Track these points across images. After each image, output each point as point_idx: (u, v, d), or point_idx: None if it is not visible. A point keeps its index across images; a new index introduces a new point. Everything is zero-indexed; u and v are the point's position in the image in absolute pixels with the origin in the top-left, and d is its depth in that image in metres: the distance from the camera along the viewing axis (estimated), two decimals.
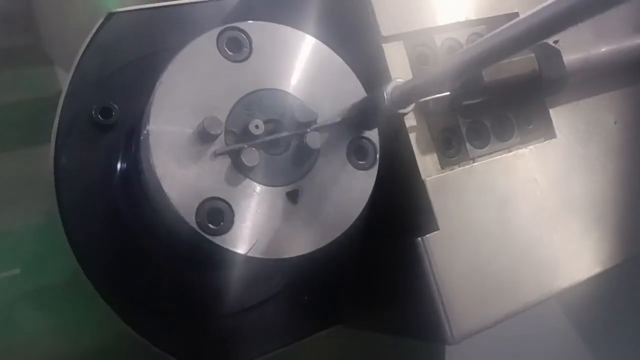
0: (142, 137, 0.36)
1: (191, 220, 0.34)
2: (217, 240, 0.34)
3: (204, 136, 0.35)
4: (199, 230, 0.34)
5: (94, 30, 0.50)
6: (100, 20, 0.50)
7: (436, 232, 0.40)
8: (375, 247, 0.44)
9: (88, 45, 0.49)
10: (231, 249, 0.34)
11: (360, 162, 0.39)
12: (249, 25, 0.38)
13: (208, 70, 0.36)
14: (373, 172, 0.39)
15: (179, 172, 0.34)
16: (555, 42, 0.45)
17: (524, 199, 0.42)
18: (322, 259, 0.44)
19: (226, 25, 0.37)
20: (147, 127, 0.34)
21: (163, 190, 0.33)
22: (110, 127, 0.47)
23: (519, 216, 0.42)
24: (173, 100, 0.35)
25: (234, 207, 0.35)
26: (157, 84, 0.35)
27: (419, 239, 0.39)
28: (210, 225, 0.34)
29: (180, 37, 0.49)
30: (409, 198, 0.41)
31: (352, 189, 0.38)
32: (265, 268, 0.42)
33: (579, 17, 0.24)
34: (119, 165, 0.47)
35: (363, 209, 0.38)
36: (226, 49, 0.37)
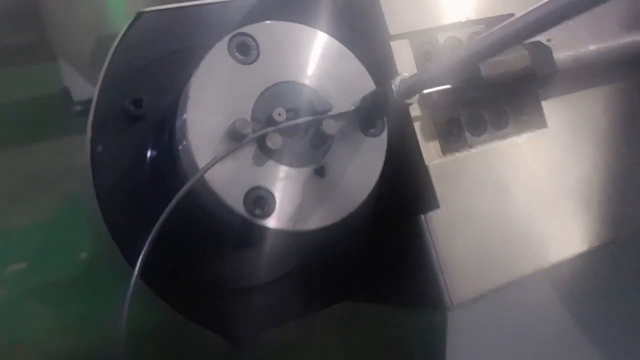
0: (181, 148, 0.41)
1: (240, 209, 0.39)
2: (265, 222, 0.39)
3: (235, 136, 0.39)
4: (248, 217, 0.39)
5: (124, 29, 0.54)
6: (130, 19, 0.54)
7: (437, 210, 0.44)
8: (383, 226, 0.49)
9: (119, 43, 0.54)
10: (278, 227, 0.40)
11: (371, 131, 0.43)
12: (253, 29, 0.42)
13: (227, 76, 0.41)
14: (384, 138, 0.44)
15: (221, 172, 0.39)
16: (548, 40, 0.49)
17: (517, 182, 0.47)
18: (333, 238, 0.48)
19: (233, 33, 0.42)
20: (188, 139, 0.39)
21: (213, 190, 0.38)
22: (141, 117, 0.52)
23: (513, 197, 0.47)
24: (204, 111, 0.40)
25: (273, 192, 0.40)
26: (185, 98, 0.40)
27: (422, 216, 0.44)
28: (257, 211, 0.39)
29: (204, 36, 0.53)
30: (414, 181, 0.46)
31: (368, 156, 0.43)
32: (293, 241, 0.46)
33: (564, 16, 0.28)
34: (149, 152, 0.52)
35: (379, 175, 0.43)
36: (237, 53, 0.41)
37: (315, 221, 0.40)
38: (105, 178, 0.51)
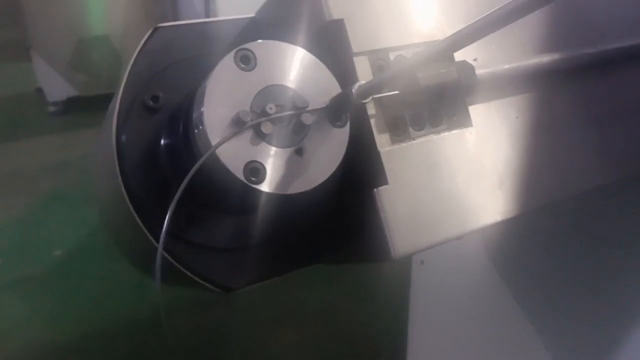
0: (197, 132, 0.54)
1: (240, 176, 0.53)
2: (258, 187, 0.53)
3: (238, 122, 0.53)
4: (247, 182, 0.53)
5: (143, 40, 0.68)
6: (149, 32, 0.68)
7: (386, 185, 0.59)
8: (343, 200, 0.63)
9: (139, 51, 0.67)
10: (268, 191, 0.54)
11: (337, 123, 0.57)
12: (252, 45, 0.57)
13: (232, 80, 0.55)
14: (347, 129, 0.58)
15: (228, 150, 0.53)
16: (475, 59, 0.65)
17: (448, 166, 0.62)
18: (306, 210, 0.63)
19: (237, 48, 0.56)
20: (204, 125, 0.53)
21: (222, 162, 0.52)
22: (158, 110, 0.65)
23: (444, 177, 0.61)
24: (216, 106, 0.54)
25: (265, 165, 0.54)
26: (202, 95, 0.54)
27: (374, 190, 0.58)
28: (253, 178, 0.53)
29: (207, 47, 0.68)
30: (369, 164, 0.60)
31: (335, 141, 0.57)
32: (279, 206, 0.59)
33: (476, 37, 0.43)
34: (163, 138, 0.65)
35: (344, 156, 0.57)
36: (241, 63, 0.55)
37: (295, 187, 0.54)
38: (127, 157, 0.64)
